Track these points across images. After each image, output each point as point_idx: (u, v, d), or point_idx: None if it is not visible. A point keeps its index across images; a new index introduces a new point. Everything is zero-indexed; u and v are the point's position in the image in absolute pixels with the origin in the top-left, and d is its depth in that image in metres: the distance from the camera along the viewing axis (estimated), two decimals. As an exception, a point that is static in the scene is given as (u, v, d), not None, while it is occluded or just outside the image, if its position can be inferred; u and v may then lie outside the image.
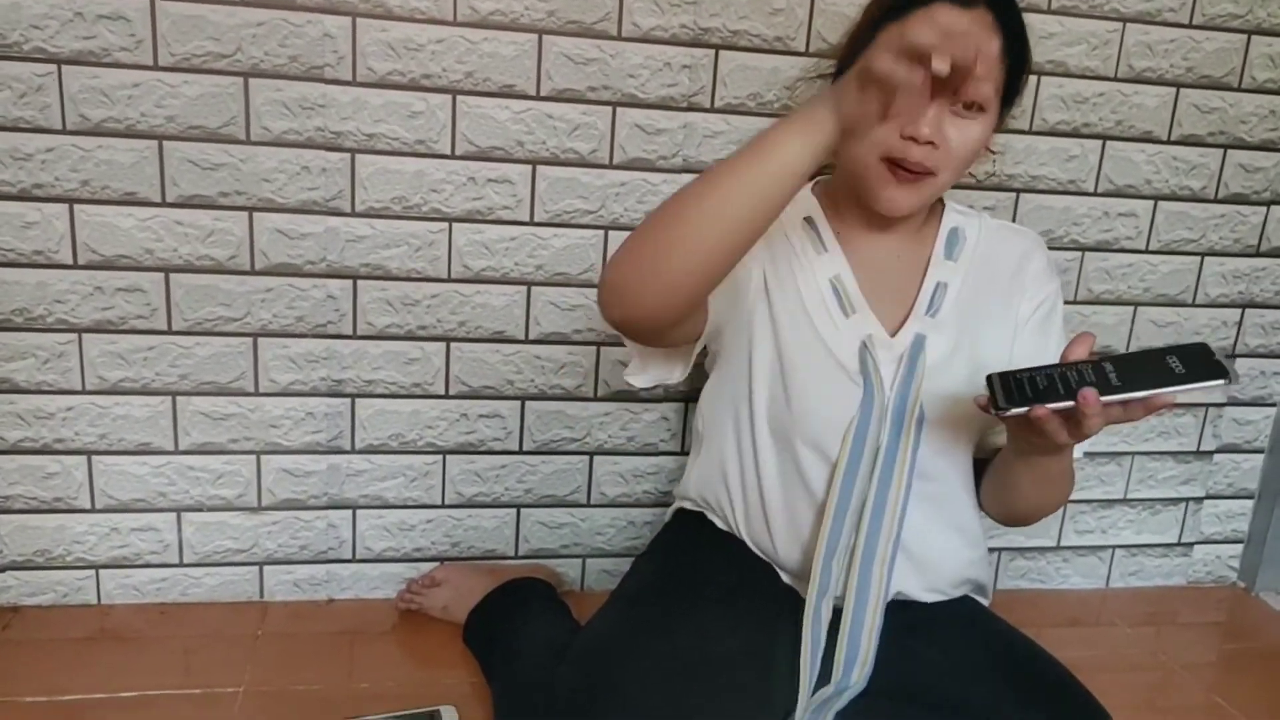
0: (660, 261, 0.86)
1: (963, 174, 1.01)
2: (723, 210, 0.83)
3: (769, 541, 1.07)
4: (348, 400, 1.37)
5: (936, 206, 1.10)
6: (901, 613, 1.02)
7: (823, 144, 0.81)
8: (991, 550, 1.62)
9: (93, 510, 1.35)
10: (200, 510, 1.38)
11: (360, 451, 1.40)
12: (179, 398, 1.33)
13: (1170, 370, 0.78)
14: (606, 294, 0.90)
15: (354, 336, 1.35)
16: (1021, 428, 0.88)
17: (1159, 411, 0.78)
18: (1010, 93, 0.99)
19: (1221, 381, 0.75)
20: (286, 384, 1.35)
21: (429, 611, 1.40)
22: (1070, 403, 0.79)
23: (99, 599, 1.38)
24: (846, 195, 1.06)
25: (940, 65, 0.71)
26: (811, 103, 0.83)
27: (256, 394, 1.34)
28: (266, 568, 1.42)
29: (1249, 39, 1.47)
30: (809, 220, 1.08)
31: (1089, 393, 0.78)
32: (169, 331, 1.30)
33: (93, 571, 1.37)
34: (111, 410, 1.31)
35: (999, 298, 1.07)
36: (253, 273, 1.30)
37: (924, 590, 1.06)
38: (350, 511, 1.42)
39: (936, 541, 1.05)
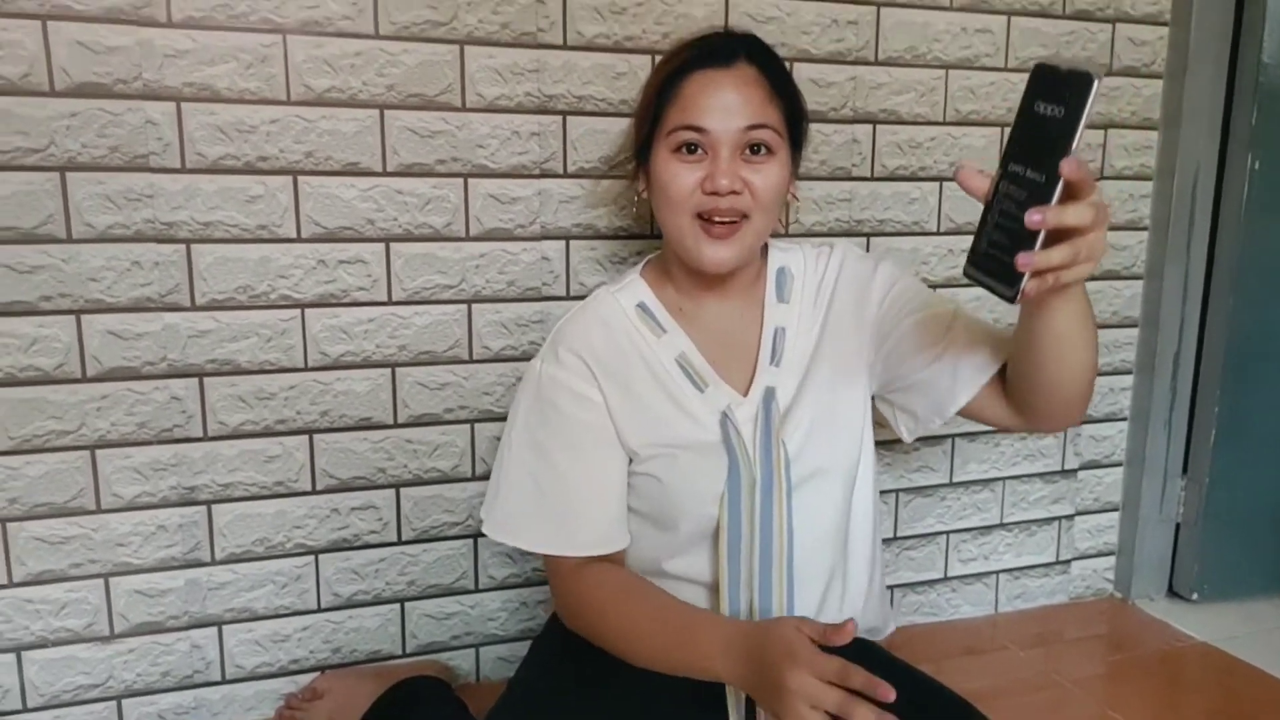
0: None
1: (774, 216, 1.02)
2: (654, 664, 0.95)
3: None
4: (202, 508, 1.27)
5: (764, 255, 1.10)
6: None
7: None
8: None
9: (-89, 662, 1.20)
10: (44, 646, 1.24)
11: (221, 562, 1.30)
12: (10, 524, 1.20)
13: (1053, 117, 0.69)
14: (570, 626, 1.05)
15: (204, 438, 1.26)
16: (1042, 297, 0.77)
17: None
18: (795, 136, 1.03)
19: (1095, 85, 0.67)
20: (132, 497, 1.24)
21: (311, 727, 1.30)
22: (1036, 233, 0.69)
23: (-75, 763, 1.23)
24: (678, 265, 1.06)
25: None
26: (738, 664, 0.86)
27: (99, 511, 1.23)
28: (125, 701, 1.29)
29: (1060, 79, 1.58)
30: (641, 306, 1.06)
31: (1033, 215, 0.68)
32: (-8, 452, 1.18)
33: (-85, 732, 1.22)
34: (-72, 547, 1.18)
35: (848, 316, 1.07)
36: (84, 380, 1.20)
37: None
38: (215, 629, 1.31)
39: (823, 584, 1.04)
